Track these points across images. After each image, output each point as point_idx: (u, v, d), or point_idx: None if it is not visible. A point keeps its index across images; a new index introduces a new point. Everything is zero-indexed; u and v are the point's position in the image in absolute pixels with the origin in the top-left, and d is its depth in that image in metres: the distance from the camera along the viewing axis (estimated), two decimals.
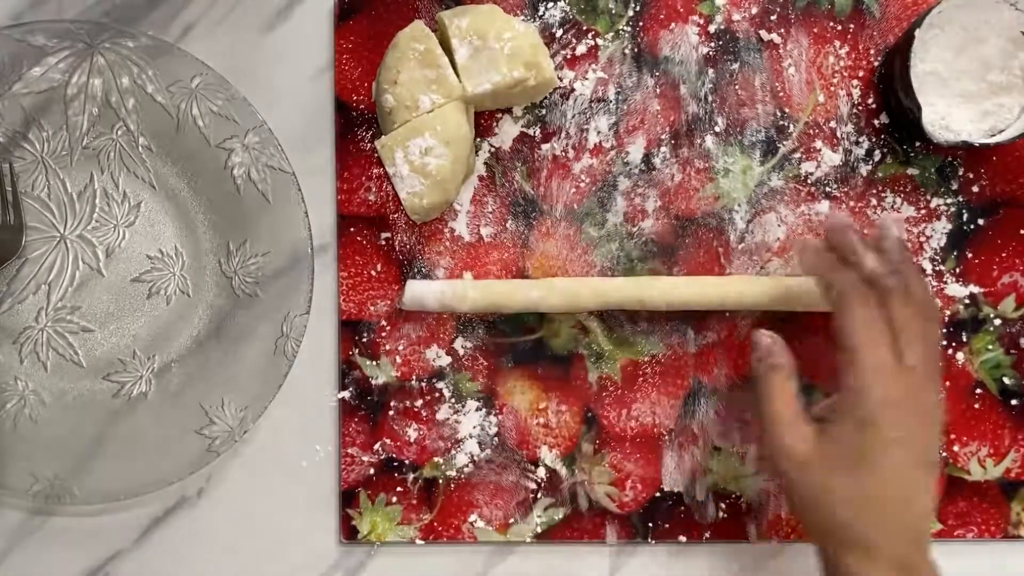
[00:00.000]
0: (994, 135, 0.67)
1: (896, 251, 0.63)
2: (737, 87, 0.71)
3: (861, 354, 0.60)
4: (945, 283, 0.71)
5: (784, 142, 0.71)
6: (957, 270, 0.71)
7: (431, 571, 0.72)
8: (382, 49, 0.69)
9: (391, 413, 0.71)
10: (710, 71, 0.71)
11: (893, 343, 0.60)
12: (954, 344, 0.71)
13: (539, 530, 0.71)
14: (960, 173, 0.71)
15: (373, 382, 0.71)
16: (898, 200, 0.71)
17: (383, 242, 0.71)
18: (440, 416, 0.71)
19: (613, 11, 0.71)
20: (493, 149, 0.71)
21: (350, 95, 0.72)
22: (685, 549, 0.72)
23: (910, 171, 0.71)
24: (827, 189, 0.71)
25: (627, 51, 0.71)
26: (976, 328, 0.71)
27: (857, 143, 0.71)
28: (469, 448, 0.71)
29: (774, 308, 0.69)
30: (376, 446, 0.71)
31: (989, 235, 0.71)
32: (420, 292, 0.69)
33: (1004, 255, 0.71)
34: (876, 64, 0.71)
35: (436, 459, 0.71)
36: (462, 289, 0.69)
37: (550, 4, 0.71)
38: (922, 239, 0.71)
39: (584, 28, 0.71)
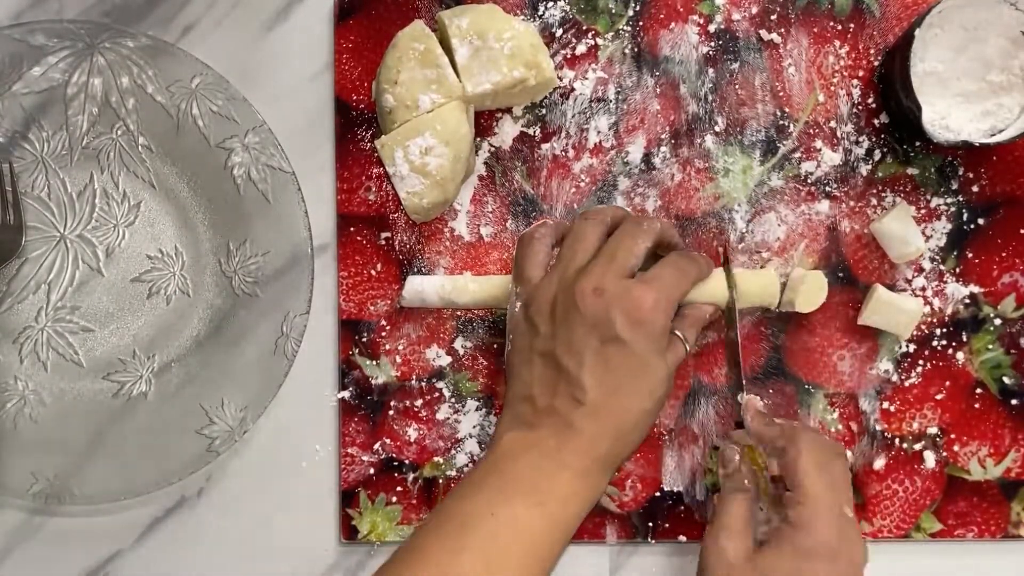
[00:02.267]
0: (994, 135, 0.67)
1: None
2: (737, 87, 0.71)
3: (812, 496, 0.61)
4: (945, 283, 0.71)
5: (784, 142, 0.71)
6: (957, 270, 0.71)
7: None
8: (382, 49, 0.69)
9: (391, 413, 0.71)
10: (710, 71, 0.71)
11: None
12: (954, 344, 0.71)
13: None
14: (960, 173, 0.71)
15: (373, 382, 0.71)
16: (898, 199, 0.71)
17: (383, 242, 0.71)
18: (440, 416, 0.71)
19: (613, 11, 0.71)
20: (493, 149, 0.71)
21: (350, 95, 0.72)
22: (685, 549, 0.72)
23: (910, 171, 0.71)
24: (827, 189, 0.71)
25: (627, 51, 0.71)
26: (976, 328, 0.71)
27: (857, 143, 0.71)
28: (469, 448, 0.71)
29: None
30: (376, 446, 0.71)
31: (989, 235, 0.71)
32: (420, 286, 0.70)
33: (1004, 255, 0.71)
34: (876, 64, 0.71)
35: (436, 459, 0.71)
36: (463, 282, 0.69)
37: (550, 4, 0.71)
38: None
39: (584, 28, 0.71)
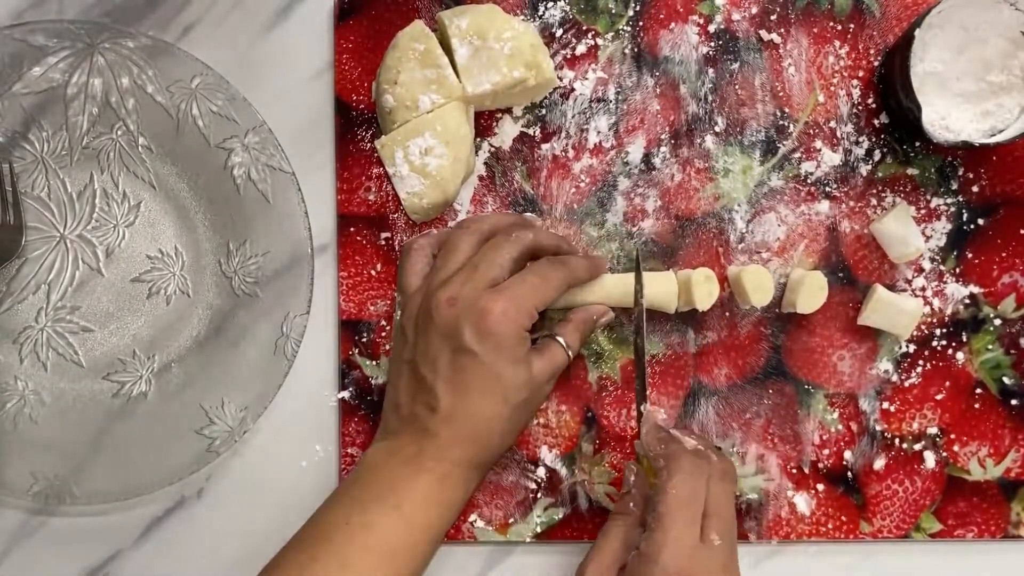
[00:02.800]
0: (994, 135, 0.67)
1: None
2: (737, 87, 0.71)
3: (665, 524, 0.60)
4: (945, 283, 0.71)
5: (784, 142, 0.71)
6: (957, 270, 0.71)
7: (431, 571, 0.71)
8: (382, 49, 0.69)
9: None
10: (710, 71, 0.71)
11: (703, 520, 0.61)
12: (954, 344, 0.71)
13: (539, 530, 0.71)
14: (960, 173, 0.71)
15: (373, 382, 0.71)
16: (898, 200, 0.71)
17: (383, 242, 0.71)
18: None
19: (613, 11, 0.71)
20: (493, 149, 0.71)
21: (350, 95, 0.72)
22: None
23: (910, 171, 0.71)
24: (827, 189, 0.71)
25: (627, 51, 0.71)
26: (976, 328, 0.71)
27: (857, 143, 0.71)
28: None
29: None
30: None
31: (989, 235, 0.71)
32: None
33: (1004, 255, 0.71)
34: (876, 64, 0.71)
35: None
36: None
37: (550, 4, 0.71)
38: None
39: (584, 28, 0.71)
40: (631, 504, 0.65)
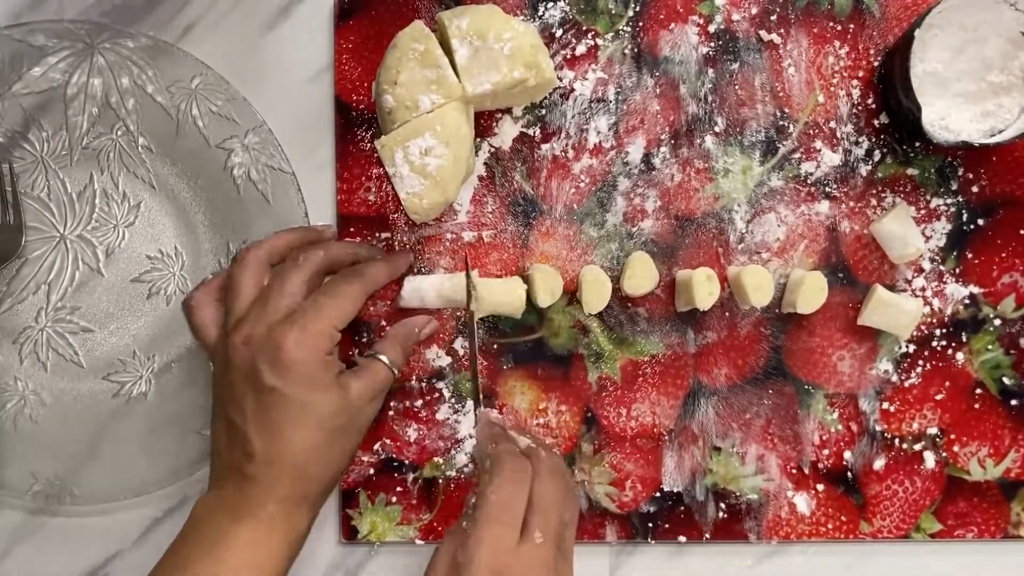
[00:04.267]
0: (994, 135, 0.67)
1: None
2: (737, 87, 0.71)
3: (480, 527, 0.57)
4: (945, 283, 0.71)
5: (784, 142, 0.71)
6: (957, 270, 0.71)
7: None
8: (382, 49, 0.69)
9: (391, 413, 0.71)
10: (710, 71, 0.71)
11: (524, 520, 0.58)
12: (954, 344, 0.71)
13: None
14: (960, 173, 0.71)
15: None
16: (898, 200, 0.71)
17: (383, 242, 0.71)
18: (440, 416, 0.71)
19: (613, 11, 0.71)
20: (493, 149, 0.71)
21: (350, 95, 0.72)
22: (685, 549, 0.72)
23: (910, 171, 0.71)
24: (827, 189, 0.71)
25: (627, 51, 0.71)
26: (976, 328, 0.71)
27: (857, 143, 0.71)
28: (469, 448, 0.71)
29: None
30: (376, 446, 0.71)
31: (989, 235, 0.71)
32: (419, 285, 0.70)
33: (1004, 255, 0.71)
34: (876, 64, 0.71)
35: (436, 459, 0.71)
36: (461, 281, 0.69)
37: (550, 4, 0.71)
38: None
39: (584, 28, 0.71)
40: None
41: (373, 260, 0.68)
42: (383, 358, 0.66)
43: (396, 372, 0.67)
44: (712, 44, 0.71)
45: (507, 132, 0.71)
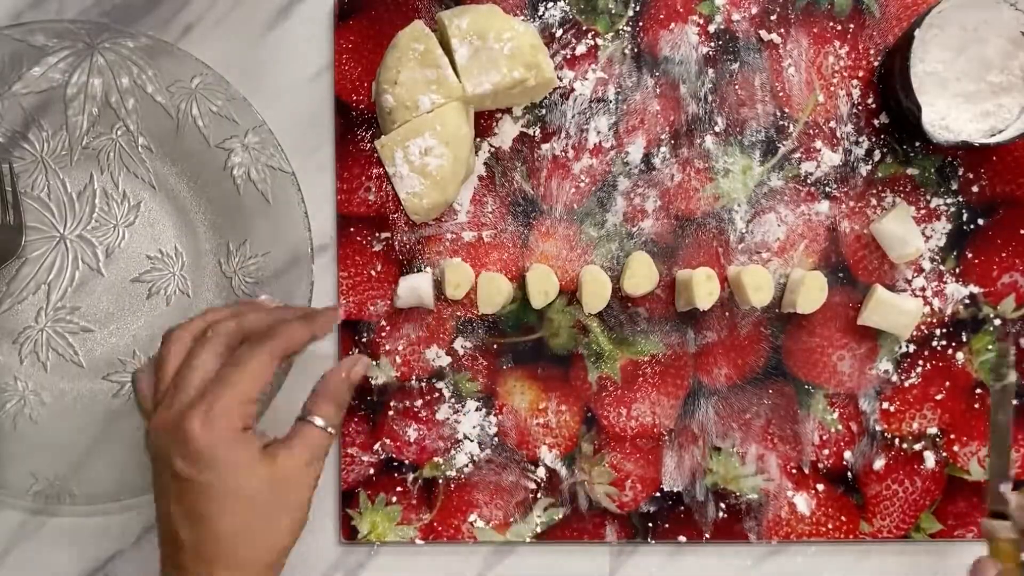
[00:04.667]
0: (994, 135, 0.67)
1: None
2: (737, 87, 0.71)
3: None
4: (945, 283, 0.71)
5: (784, 142, 0.71)
6: (957, 270, 0.71)
7: (431, 571, 0.72)
8: (382, 49, 0.69)
9: (391, 413, 0.71)
10: (710, 71, 0.71)
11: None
12: (954, 344, 0.71)
13: (539, 530, 0.71)
14: (960, 173, 0.71)
15: (373, 382, 0.71)
16: (898, 200, 0.71)
17: (383, 242, 0.71)
18: (440, 416, 0.71)
19: (613, 11, 0.71)
20: (493, 149, 0.71)
21: (350, 95, 0.72)
22: (685, 549, 0.72)
23: (910, 171, 0.71)
24: (827, 189, 0.71)
25: (627, 51, 0.71)
26: (976, 328, 0.71)
27: (857, 143, 0.71)
28: (469, 448, 0.71)
29: None
30: (376, 446, 0.71)
31: (989, 235, 0.71)
32: (415, 283, 0.70)
33: (1004, 255, 0.71)
34: (876, 64, 0.71)
35: (436, 459, 0.71)
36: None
37: (550, 4, 0.71)
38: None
39: (584, 28, 0.71)
40: None
41: (286, 321, 0.62)
42: (315, 420, 0.61)
43: (332, 430, 0.62)
44: (712, 44, 0.71)
45: (507, 132, 0.71)
